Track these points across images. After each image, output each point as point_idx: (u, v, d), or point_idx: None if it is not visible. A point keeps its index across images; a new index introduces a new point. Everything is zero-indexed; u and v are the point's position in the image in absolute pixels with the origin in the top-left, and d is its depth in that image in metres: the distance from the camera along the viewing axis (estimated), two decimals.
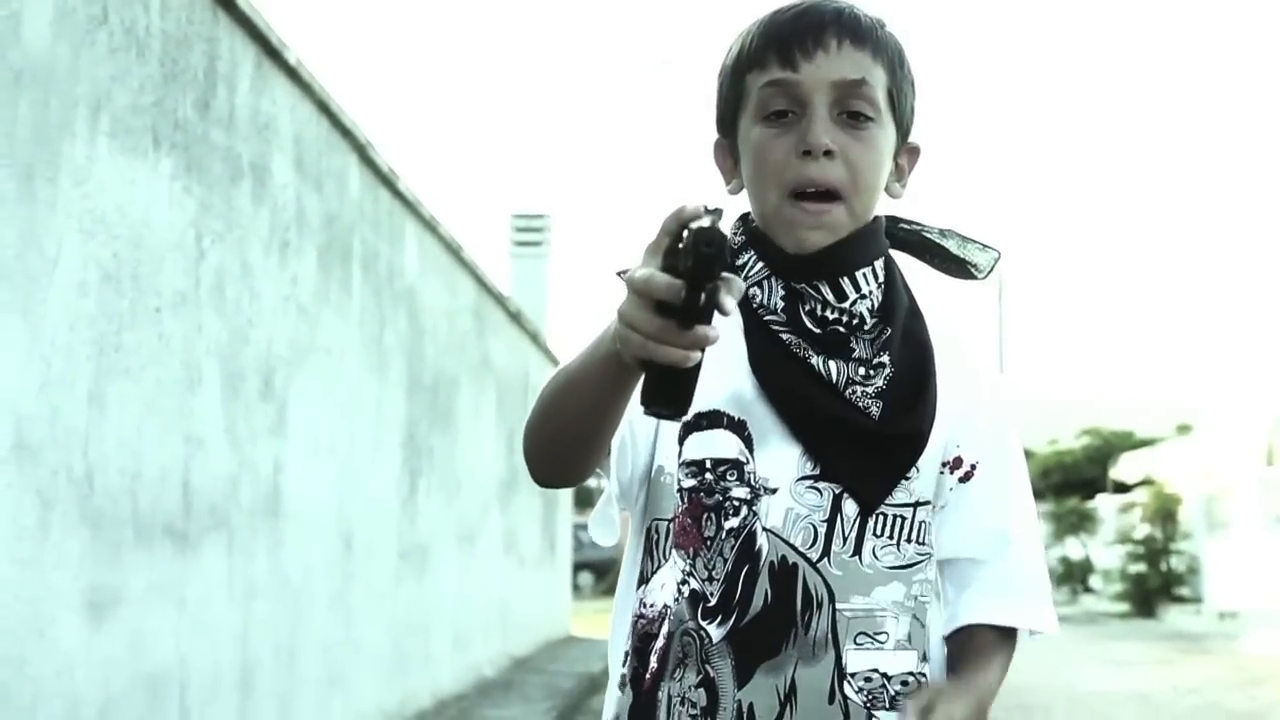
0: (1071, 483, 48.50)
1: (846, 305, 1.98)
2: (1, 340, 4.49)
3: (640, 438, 2.01)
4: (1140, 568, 30.59)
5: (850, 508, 1.97)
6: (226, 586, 6.56)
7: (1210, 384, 36.22)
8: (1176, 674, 16.16)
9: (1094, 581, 35.13)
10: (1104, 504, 39.27)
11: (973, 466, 2.04)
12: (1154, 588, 30.09)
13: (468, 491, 12.88)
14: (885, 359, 1.98)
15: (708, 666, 1.95)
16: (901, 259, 2.11)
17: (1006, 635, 2.07)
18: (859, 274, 1.99)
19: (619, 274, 2.11)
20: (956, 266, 2.10)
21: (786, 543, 1.96)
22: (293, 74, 7.49)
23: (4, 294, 4.46)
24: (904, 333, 2.01)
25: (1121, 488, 39.52)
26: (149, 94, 5.60)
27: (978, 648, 2.04)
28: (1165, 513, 31.29)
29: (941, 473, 2.03)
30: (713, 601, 1.96)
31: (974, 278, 2.10)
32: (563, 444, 1.89)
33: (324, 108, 8.13)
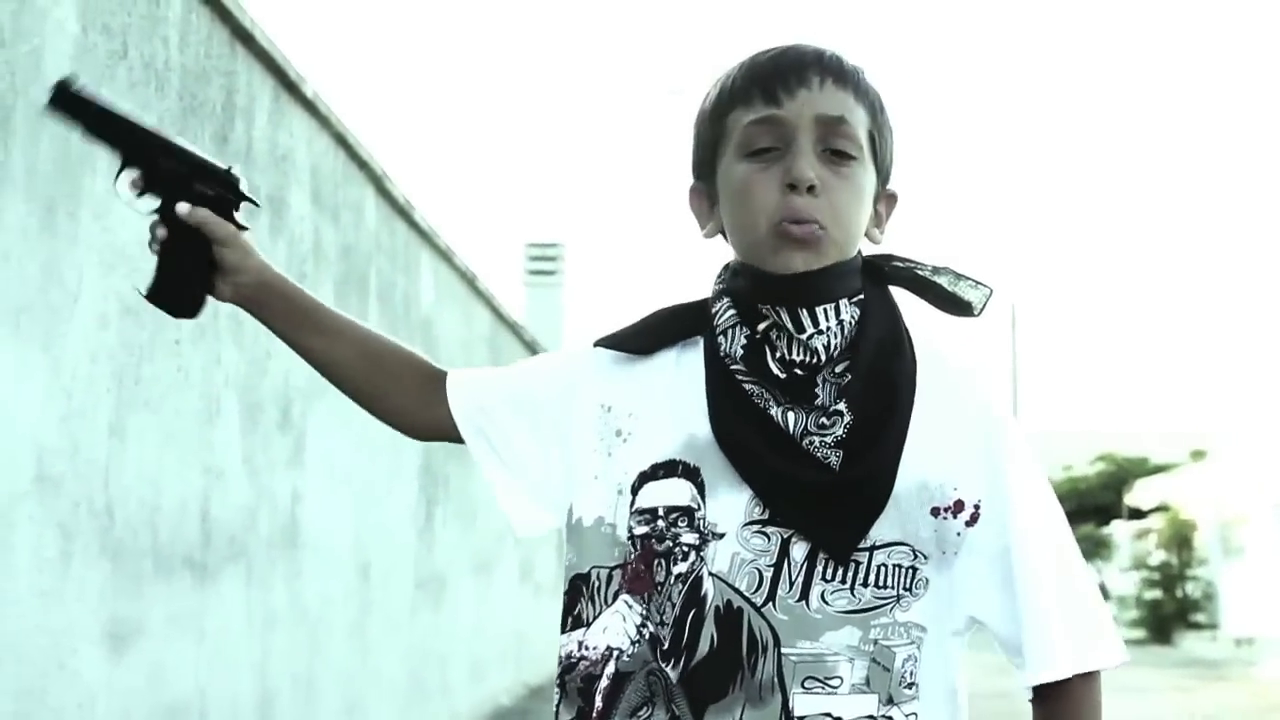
0: (1086, 509, 48.37)
1: (803, 338, 1.98)
2: (23, 373, 4.52)
3: (563, 473, 2.12)
4: (1156, 594, 30.52)
5: (798, 552, 1.96)
6: (245, 617, 6.58)
7: (1225, 410, 36.15)
8: (1193, 701, 16.13)
9: (1109, 608, 35.02)
10: (1119, 530, 39.21)
11: (976, 507, 2.01)
12: (1170, 614, 30.02)
13: (484, 521, 12.90)
14: (842, 406, 1.97)
15: (674, 705, 1.98)
16: (900, 296, 2.11)
17: (1080, 682, 2.06)
18: (819, 309, 1.99)
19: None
20: (951, 304, 2.09)
21: (732, 587, 1.97)
22: (310, 106, 7.53)
23: (26, 326, 4.49)
24: (870, 375, 2.00)
25: (1137, 514, 39.40)
26: (168, 127, 5.61)
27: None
28: (1181, 539, 31.21)
29: (943, 518, 1.99)
30: (666, 645, 1.99)
31: (969, 314, 2.08)
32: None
33: (341, 140, 8.17)
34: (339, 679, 8.21)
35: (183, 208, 2.15)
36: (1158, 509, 34.87)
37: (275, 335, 2.29)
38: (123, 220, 5.17)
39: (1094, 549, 37.00)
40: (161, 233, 2.17)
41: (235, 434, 6.41)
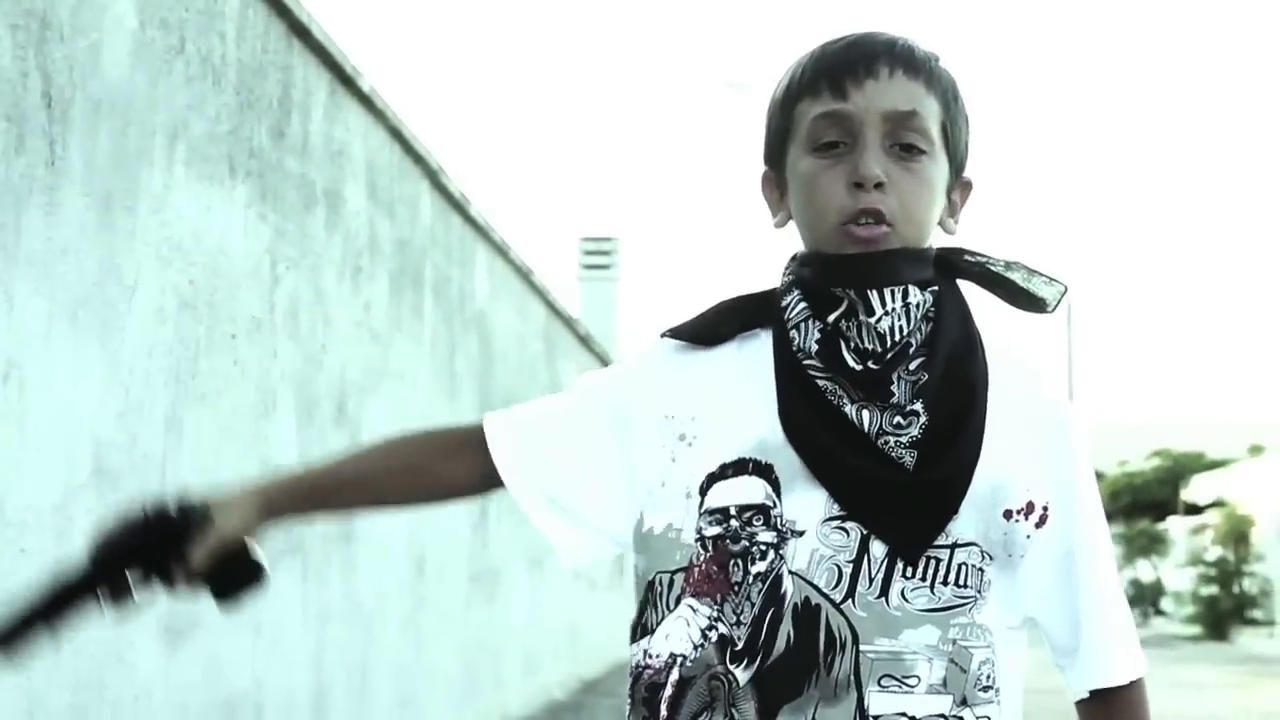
0: (1141, 504, 48.22)
1: (872, 321, 1.95)
2: (81, 367, 4.54)
3: (609, 495, 2.09)
4: (1212, 590, 30.34)
5: (878, 549, 1.94)
6: (301, 610, 6.60)
7: None
8: (1250, 698, 16.02)
9: (1165, 604, 34.88)
10: (1175, 526, 38.99)
11: (1045, 509, 1.99)
12: (1226, 610, 29.84)
13: None
14: (918, 406, 1.95)
15: (734, 710, 1.94)
16: (969, 290, 2.09)
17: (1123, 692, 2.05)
18: (888, 290, 1.96)
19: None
20: (1024, 299, 2.06)
21: (810, 584, 1.94)
22: (366, 101, 7.55)
23: (84, 320, 4.52)
24: (945, 373, 1.98)
25: (1193, 509, 39.22)
26: (225, 122, 5.66)
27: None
28: (1237, 534, 31.03)
29: (1015, 520, 1.98)
30: (740, 645, 1.95)
31: (1043, 310, 2.05)
32: None
33: (396, 134, 8.19)
34: (393, 672, 8.23)
35: (179, 585, 2.17)
36: (1214, 504, 34.70)
37: (315, 522, 2.28)
38: (179, 215, 5.20)
39: (1150, 545, 36.79)
40: (181, 580, 2.16)
41: (291, 428, 6.43)
